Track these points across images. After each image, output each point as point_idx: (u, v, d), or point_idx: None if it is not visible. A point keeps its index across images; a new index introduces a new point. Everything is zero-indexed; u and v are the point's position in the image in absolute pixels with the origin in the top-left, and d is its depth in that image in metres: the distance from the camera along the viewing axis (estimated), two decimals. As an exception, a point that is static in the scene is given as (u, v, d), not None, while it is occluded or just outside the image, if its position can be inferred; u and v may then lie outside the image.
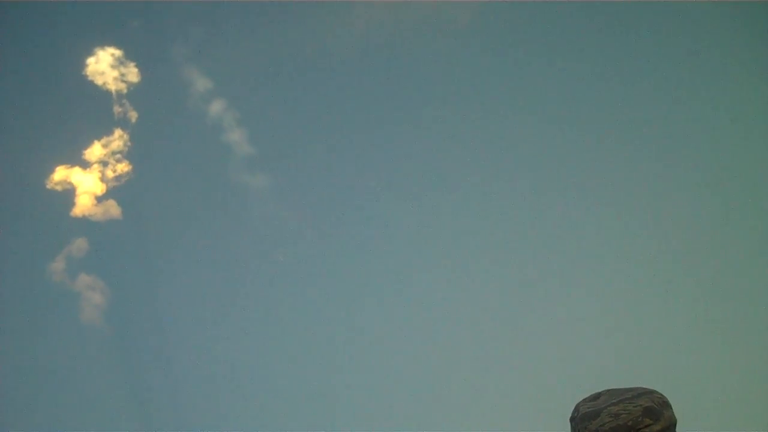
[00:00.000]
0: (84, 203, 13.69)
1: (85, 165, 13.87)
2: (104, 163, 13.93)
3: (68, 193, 13.64)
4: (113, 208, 13.81)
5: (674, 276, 12.71)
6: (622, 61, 13.41)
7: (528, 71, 13.79)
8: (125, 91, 14.02)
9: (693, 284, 12.59)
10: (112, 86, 13.95)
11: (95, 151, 13.97)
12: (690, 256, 12.71)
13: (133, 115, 14.08)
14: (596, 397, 2.19)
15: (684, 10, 12.83)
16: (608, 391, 2.19)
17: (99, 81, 13.90)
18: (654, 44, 13.31)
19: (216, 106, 13.96)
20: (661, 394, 2.16)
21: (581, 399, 2.25)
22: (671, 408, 2.11)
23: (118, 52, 14.03)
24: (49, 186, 13.60)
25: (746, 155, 12.78)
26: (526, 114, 13.63)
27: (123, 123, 14.02)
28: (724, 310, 12.12)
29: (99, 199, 13.76)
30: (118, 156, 13.97)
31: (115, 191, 13.85)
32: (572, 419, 2.20)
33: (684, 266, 12.77)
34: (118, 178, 13.95)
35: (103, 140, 13.99)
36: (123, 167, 13.99)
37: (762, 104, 12.57)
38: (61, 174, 13.74)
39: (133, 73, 14.08)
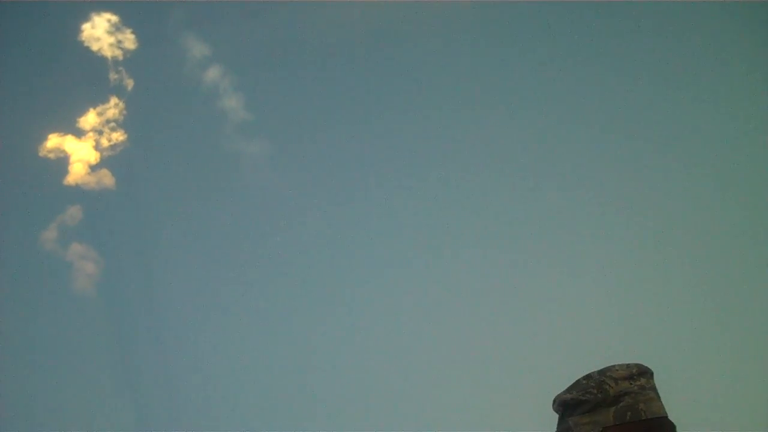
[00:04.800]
0: (77, 172, 13.41)
1: (79, 133, 13.60)
2: (99, 132, 13.64)
3: (61, 162, 13.38)
4: (107, 178, 13.53)
5: (674, 276, 12.68)
6: (620, 62, 13.33)
7: (531, 69, 13.66)
8: (121, 57, 13.74)
9: (693, 285, 12.52)
10: (108, 52, 13.66)
11: (90, 119, 13.68)
12: (690, 255, 12.64)
13: (130, 83, 13.79)
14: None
15: (684, 10, 12.70)
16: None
17: (95, 47, 13.62)
18: (654, 44, 13.22)
19: (215, 75, 13.67)
20: None
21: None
22: None
23: (114, 18, 13.74)
24: (41, 154, 13.34)
25: (747, 155, 12.70)
26: (530, 112, 13.55)
27: (119, 90, 13.74)
28: (726, 311, 12.08)
29: (93, 168, 13.49)
30: (113, 125, 13.69)
31: (110, 160, 13.59)
32: (587, 384, 2.06)
33: (684, 265, 12.72)
34: (112, 147, 13.67)
35: (99, 108, 13.70)
36: (118, 136, 13.70)
37: (762, 104, 12.45)
38: (54, 142, 13.46)
39: (129, 40, 13.78)
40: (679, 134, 12.95)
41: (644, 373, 2.05)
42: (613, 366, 2.06)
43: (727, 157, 12.72)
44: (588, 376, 2.08)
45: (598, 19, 13.20)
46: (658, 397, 2.06)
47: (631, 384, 2.01)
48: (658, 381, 2.14)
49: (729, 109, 12.73)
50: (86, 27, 13.61)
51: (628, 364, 2.05)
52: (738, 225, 12.54)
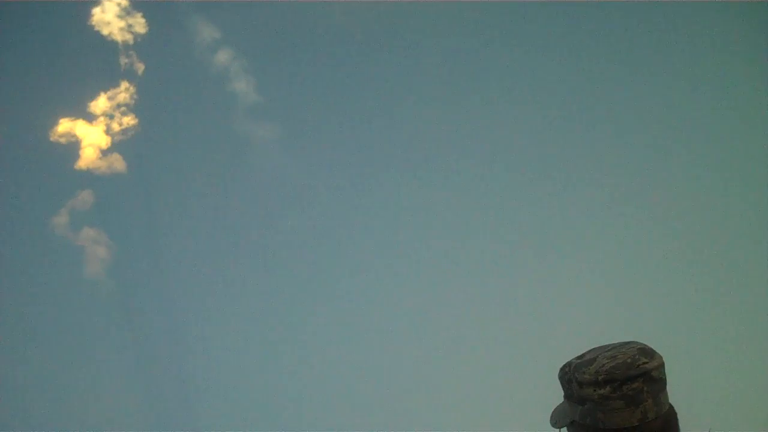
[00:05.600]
0: (88, 156, 13.40)
1: (90, 118, 13.58)
2: (110, 116, 13.62)
3: (73, 146, 13.38)
4: (118, 162, 13.51)
5: (673, 276, 12.67)
6: (620, 62, 13.19)
7: (533, 69, 13.55)
8: (132, 42, 13.68)
9: (693, 284, 12.54)
10: (119, 37, 13.61)
11: (101, 103, 13.66)
12: (690, 255, 12.61)
13: (140, 67, 13.74)
14: (582, 356, 2.22)
15: (684, 10, 12.49)
16: (591, 349, 2.22)
17: (105, 31, 13.57)
18: (654, 44, 13.10)
19: (225, 58, 13.59)
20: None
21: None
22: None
23: (124, 2, 13.68)
24: (53, 138, 13.34)
25: (746, 155, 12.59)
26: (533, 111, 13.45)
27: (129, 75, 13.69)
28: (725, 311, 12.09)
29: (104, 153, 13.47)
30: (124, 109, 13.66)
31: (121, 145, 13.57)
32: (564, 374, 2.20)
33: (683, 265, 12.71)
34: (123, 131, 13.64)
35: (110, 92, 13.68)
36: (129, 120, 13.67)
37: (762, 104, 12.31)
38: (65, 126, 13.46)
39: (139, 24, 13.72)
40: (679, 133, 12.84)
41: (611, 381, 2.03)
42: (586, 366, 2.08)
43: (727, 155, 12.62)
44: (568, 364, 2.17)
45: (598, 19, 13.06)
46: (628, 405, 2.03)
47: (593, 391, 2.05)
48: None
49: (729, 108, 12.61)
50: (96, 11, 13.58)
51: (599, 368, 2.04)
52: (738, 223, 12.44)
